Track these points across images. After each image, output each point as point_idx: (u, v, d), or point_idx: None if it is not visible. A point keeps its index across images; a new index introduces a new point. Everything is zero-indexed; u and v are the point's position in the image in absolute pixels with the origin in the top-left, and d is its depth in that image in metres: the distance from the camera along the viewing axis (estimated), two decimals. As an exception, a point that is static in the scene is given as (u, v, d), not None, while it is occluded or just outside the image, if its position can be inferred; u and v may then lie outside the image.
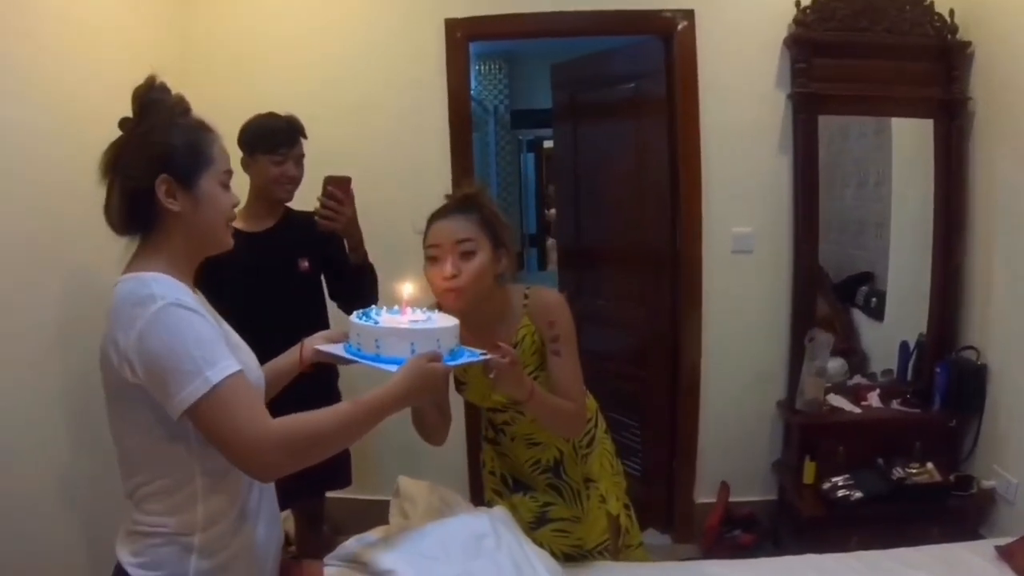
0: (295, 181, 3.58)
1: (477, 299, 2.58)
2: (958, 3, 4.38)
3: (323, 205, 3.36)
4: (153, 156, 1.95)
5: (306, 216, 3.51)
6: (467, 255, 2.54)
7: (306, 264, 3.53)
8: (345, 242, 3.56)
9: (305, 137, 3.62)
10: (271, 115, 3.56)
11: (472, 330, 2.51)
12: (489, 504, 3.00)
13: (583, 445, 2.98)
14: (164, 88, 2.12)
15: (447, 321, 2.31)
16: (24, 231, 3.15)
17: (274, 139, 3.48)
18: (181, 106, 2.12)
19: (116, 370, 1.82)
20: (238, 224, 2.55)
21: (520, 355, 2.60)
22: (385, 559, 2.18)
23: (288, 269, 3.50)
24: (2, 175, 3.09)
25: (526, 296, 2.76)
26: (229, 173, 2.11)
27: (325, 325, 3.41)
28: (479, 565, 2.23)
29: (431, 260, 2.59)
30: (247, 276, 3.08)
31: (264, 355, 2.27)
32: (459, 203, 2.68)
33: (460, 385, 2.89)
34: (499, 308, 2.74)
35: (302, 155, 3.61)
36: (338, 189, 3.39)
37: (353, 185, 3.47)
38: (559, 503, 2.96)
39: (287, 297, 3.43)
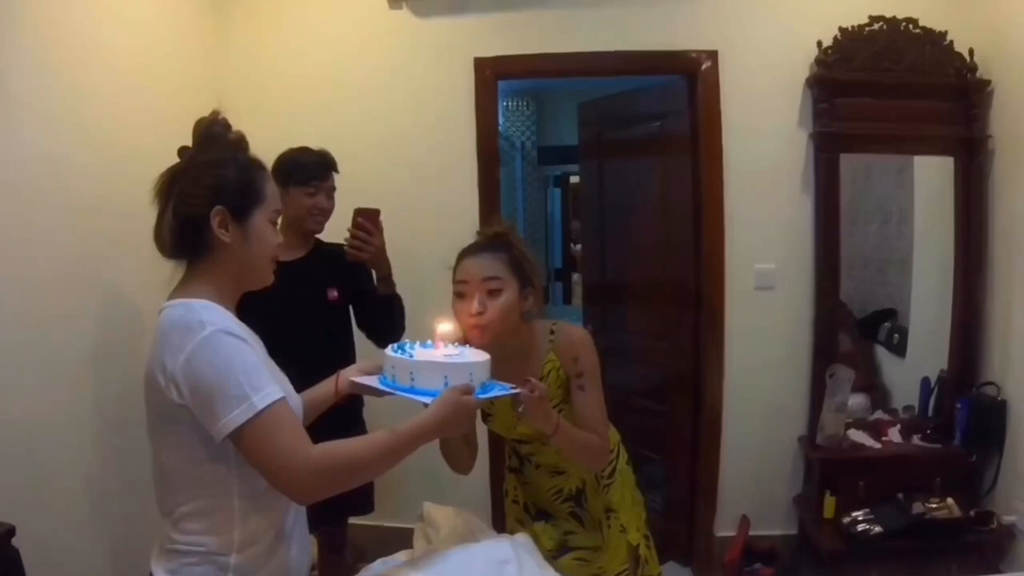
0: (326, 213, 3.67)
1: (502, 335, 2.64)
2: (977, 42, 4.44)
3: (353, 236, 3.48)
4: (211, 186, 2.03)
5: (335, 248, 3.62)
6: (493, 293, 2.61)
7: (335, 294, 3.61)
8: (374, 273, 3.66)
9: (337, 171, 3.72)
10: (304, 149, 3.66)
11: (498, 363, 2.49)
12: (511, 532, 2.94)
13: (605, 476, 3.01)
14: (226, 123, 2.22)
15: (479, 356, 2.36)
16: (62, 256, 3.28)
17: (307, 172, 3.57)
18: (241, 143, 2.21)
19: (163, 391, 1.87)
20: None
21: (549, 389, 2.67)
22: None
23: (318, 299, 3.57)
24: (44, 205, 3.21)
25: (552, 332, 2.82)
26: (278, 212, 2.17)
27: (352, 354, 3.70)
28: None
29: (459, 296, 2.66)
30: (278, 304, 2.90)
31: (293, 382, 2.27)
32: (488, 241, 2.76)
33: (486, 416, 2.95)
34: (526, 343, 2.79)
35: (333, 188, 3.70)
36: (368, 221, 3.50)
37: (382, 218, 3.59)
38: (580, 532, 3.00)
39: (316, 326, 3.51)
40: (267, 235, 2.11)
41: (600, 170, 5.81)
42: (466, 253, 2.73)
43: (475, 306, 2.59)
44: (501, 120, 6.45)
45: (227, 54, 4.94)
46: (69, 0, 3.56)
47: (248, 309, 2.27)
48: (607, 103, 5.71)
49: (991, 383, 4.34)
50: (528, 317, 2.78)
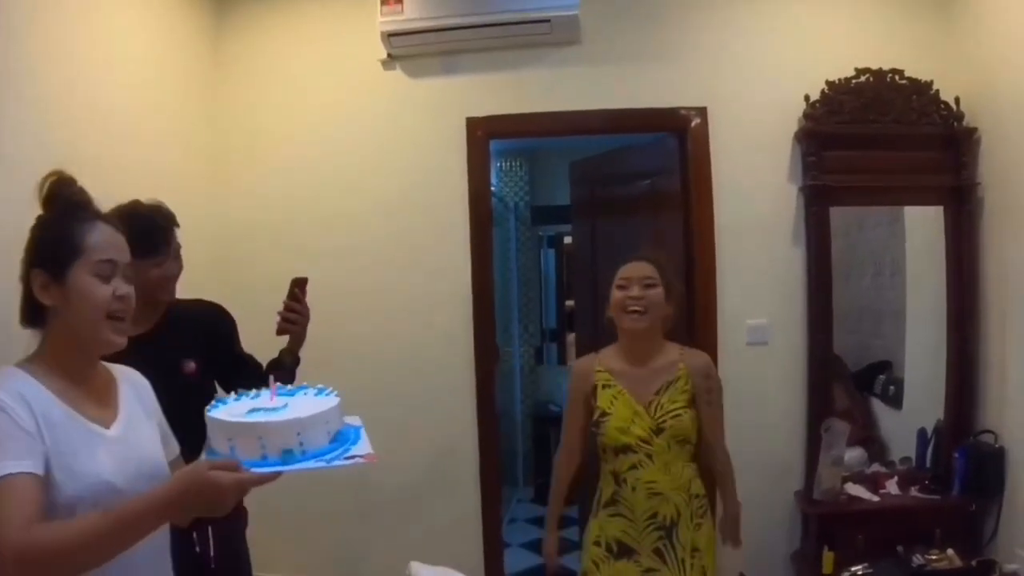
0: (176, 279, 3.15)
1: (653, 324, 3.31)
2: (963, 91, 4.49)
3: (288, 308, 3.28)
4: (28, 250, 2.00)
5: (194, 308, 3.26)
6: (649, 287, 3.28)
7: (192, 366, 3.10)
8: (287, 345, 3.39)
9: (177, 225, 3.16)
10: (137, 207, 3.01)
11: (639, 359, 3.35)
12: (585, 574, 3.39)
13: (699, 513, 3.28)
14: (67, 182, 2.11)
15: (319, 405, 2.15)
16: None
17: (151, 240, 2.98)
18: (78, 197, 2.10)
19: None
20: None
21: (675, 392, 3.28)
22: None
23: (171, 374, 2.92)
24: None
25: (682, 351, 3.42)
26: (109, 263, 2.01)
27: None
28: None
29: (619, 288, 3.34)
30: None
31: None
32: (648, 257, 3.40)
33: (603, 417, 3.26)
34: (660, 351, 3.39)
35: (179, 246, 3.16)
36: (301, 291, 3.34)
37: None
38: (663, 569, 3.19)
39: (173, 405, 2.68)
40: (90, 290, 1.95)
41: (592, 229, 5.83)
42: (629, 259, 3.42)
43: (635, 291, 3.27)
44: (494, 180, 6.49)
45: (223, 111, 5.02)
46: (68, 57, 3.63)
47: None
48: (598, 162, 5.75)
49: (988, 431, 4.32)
50: (666, 324, 3.38)
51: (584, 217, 5.99)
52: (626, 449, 3.21)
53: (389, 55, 4.87)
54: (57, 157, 3.39)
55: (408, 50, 4.80)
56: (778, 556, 4.76)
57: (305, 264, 4.80)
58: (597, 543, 3.31)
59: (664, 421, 3.20)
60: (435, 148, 4.88)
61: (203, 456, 1.99)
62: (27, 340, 2.00)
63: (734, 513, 3.52)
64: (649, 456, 3.19)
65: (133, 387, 2.19)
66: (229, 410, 2.06)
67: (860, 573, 4.10)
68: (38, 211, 2.05)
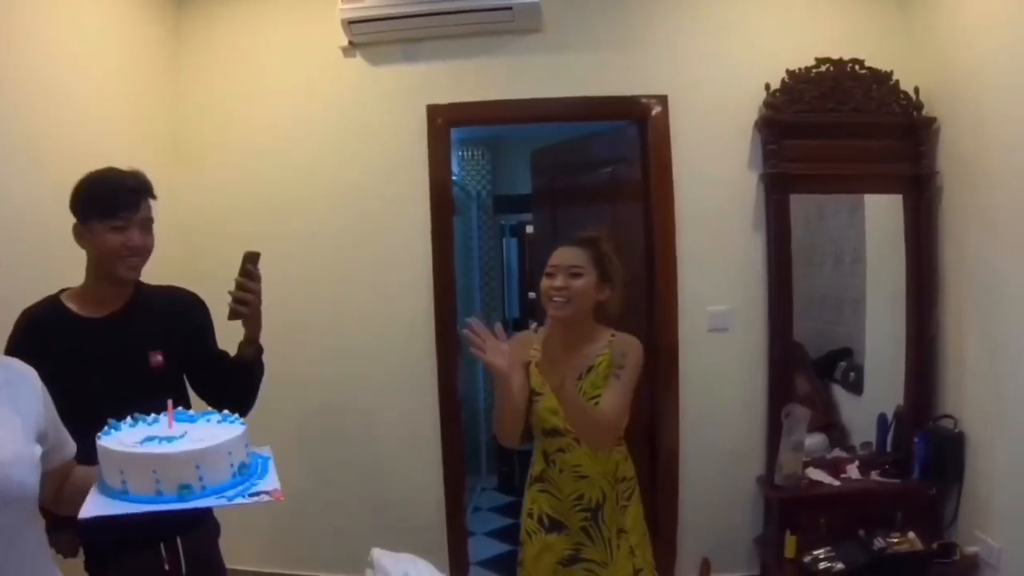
0: (141, 253, 2.72)
1: (577, 313, 3.19)
2: (923, 81, 4.53)
3: (239, 287, 2.79)
4: None
5: (165, 293, 2.96)
6: (575, 275, 3.16)
7: (159, 358, 2.75)
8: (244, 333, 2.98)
9: (154, 197, 2.78)
10: (109, 170, 2.73)
11: (566, 345, 3.14)
12: (521, 544, 3.40)
13: (624, 496, 3.27)
14: None
15: (219, 435, 1.96)
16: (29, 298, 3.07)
17: (112, 200, 2.64)
18: None
19: None
20: (76, 308, 2.66)
21: (596, 377, 3.20)
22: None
23: (136, 365, 2.71)
24: (5, 241, 3.20)
25: (613, 335, 3.30)
26: None
27: None
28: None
29: (547, 276, 3.22)
30: (88, 371, 2.54)
31: None
32: (580, 240, 3.28)
33: (536, 395, 3.24)
34: (590, 335, 3.29)
35: (150, 219, 2.76)
36: (254, 266, 2.85)
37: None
38: (590, 546, 3.22)
39: (136, 399, 2.41)
40: None
41: (554, 217, 5.83)
42: (560, 244, 3.31)
43: (558, 282, 3.16)
44: (456, 170, 6.46)
45: (183, 98, 5.00)
46: (26, 46, 3.61)
47: (61, 371, 2.18)
48: (559, 150, 5.75)
49: (948, 416, 4.37)
50: (608, 309, 3.31)
51: (545, 206, 5.99)
52: (554, 432, 3.22)
53: (350, 42, 4.84)
54: (13, 145, 3.41)
55: (369, 37, 4.78)
56: (741, 541, 4.78)
57: (265, 252, 4.80)
58: (530, 515, 3.35)
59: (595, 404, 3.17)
60: (396, 136, 4.86)
61: (94, 489, 1.87)
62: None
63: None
64: (576, 440, 3.18)
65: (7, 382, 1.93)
66: (121, 438, 1.90)
67: (822, 556, 4.14)
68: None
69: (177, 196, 4.86)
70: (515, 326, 8.62)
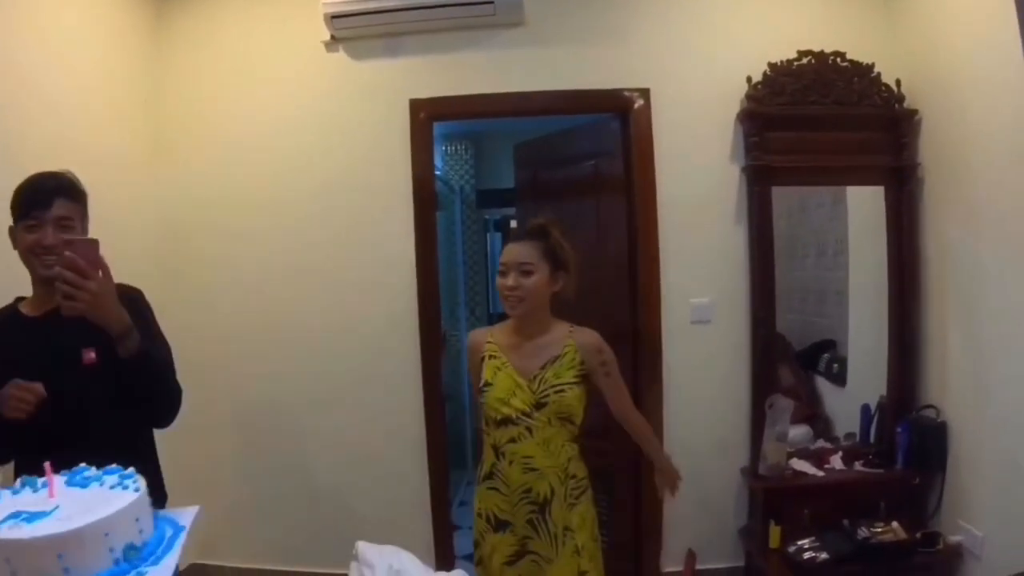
0: (56, 251, 2.56)
1: (532, 307, 3.26)
2: (904, 73, 4.54)
3: (61, 279, 2.44)
4: None
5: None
6: (527, 273, 3.22)
7: (92, 355, 2.64)
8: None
9: (74, 198, 2.74)
10: (38, 174, 2.74)
11: (524, 337, 3.32)
12: (476, 544, 3.42)
13: (573, 495, 3.27)
14: None
15: (98, 508, 1.62)
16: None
17: (26, 200, 2.67)
18: None
19: None
20: (25, 309, 2.76)
21: (560, 367, 3.25)
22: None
23: (67, 363, 2.64)
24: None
25: (571, 330, 3.37)
26: None
27: (136, 436, 2.85)
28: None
29: (500, 274, 3.27)
30: (24, 369, 2.53)
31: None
32: (529, 231, 3.36)
33: (486, 386, 3.26)
34: (548, 329, 3.35)
35: (67, 218, 2.69)
36: (80, 256, 2.45)
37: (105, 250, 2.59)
38: (535, 538, 3.23)
39: (71, 397, 2.61)
40: None
41: (537, 211, 5.80)
42: (511, 239, 3.41)
43: (510, 282, 3.21)
44: (440, 164, 6.45)
45: (165, 94, 4.99)
46: (6, 42, 3.58)
47: (4, 372, 2.39)
48: (541, 144, 5.75)
49: (930, 406, 4.40)
50: (563, 296, 3.35)
51: (529, 200, 5.98)
52: (506, 421, 3.22)
53: (332, 36, 4.83)
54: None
55: (351, 31, 4.77)
56: (726, 532, 4.80)
57: (248, 246, 4.80)
58: (479, 515, 3.37)
59: (546, 395, 3.20)
60: (379, 130, 4.85)
61: None
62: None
63: (663, 465, 3.59)
64: (529, 430, 3.20)
65: None
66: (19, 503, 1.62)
67: (807, 546, 4.16)
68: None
69: (157, 190, 4.86)
70: (498, 320, 8.64)
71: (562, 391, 3.20)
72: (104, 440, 2.56)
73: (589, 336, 3.35)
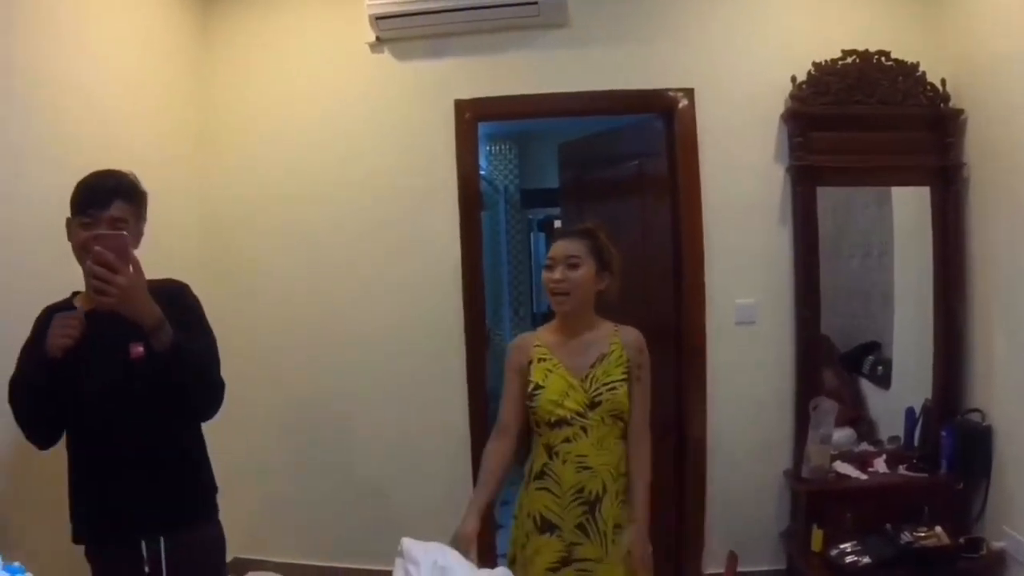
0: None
1: (578, 303, 3.24)
2: (949, 72, 4.50)
3: (91, 275, 2.47)
4: None
5: (153, 287, 2.66)
6: (573, 266, 3.20)
7: (140, 349, 2.65)
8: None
9: (132, 200, 2.77)
10: (100, 171, 2.78)
11: (571, 336, 3.29)
12: (513, 545, 3.40)
13: (624, 490, 3.24)
14: None
15: None
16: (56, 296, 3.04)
17: (84, 198, 2.69)
18: None
19: None
20: (80, 303, 2.74)
21: (609, 365, 3.23)
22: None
23: (115, 357, 2.67)
24: (39, 246, 3.24)
25: (616, 328, 3.35)
26: None
27: (177, 429, 2.84)
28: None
29: (547, 268, 3.27)
30: (74, 362, 2.54)
31: (111, 466, 2.51)
32: (577, 232, 3.36)
33: (537, 389, 3.22)
34: (594, 326, 3.33)
35: (122, 219, 2.69)
36: (109, 250, 2.46)
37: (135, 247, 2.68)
38: (585, 543, 3.17)
39: (120, 392, 2.68)
40: None
41: (581, 211, 5.83)
42: (557, 236, 3.40)
43: (556, 275, 3.20)
44: (484, 164, 6.48)
45: (210, 94, 5.04)
46: (58, 48, 3.67)
47: (69, 364, 2.45)
48: (586, 144, 5.76)
49: (976, 410, 4.34)
50: (606, 296, 3.33)
51: (572, 200, 6.00)
52: (560, 422, 3.19)
53: (377, 38, 4.86)
54: (42, 140, 3.46)
55: (396, 33, 4.80)
56: (768, 534, 4.76)
57: (294, 246, 4.84)
58: (527, 515, 3.32)
59: (600, 394, 3.18)
60: (423, 131, 4.88)
61: None
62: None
63: (639, 534, 3.20)
64: (584, 429, 3.17)
65: None
66: None
67: (849, 550, 4.12)
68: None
69: (203, 192, 4.91)
70: (542, 319, 8.64)
71: (614, 388, 3.19)
72: (151, 433, 2.69)
73: (634, 334, 3.35)
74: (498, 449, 3.28)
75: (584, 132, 5.77)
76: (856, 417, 4.99)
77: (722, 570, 4.70)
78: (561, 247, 3.26)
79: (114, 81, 4.10)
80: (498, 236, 8.18)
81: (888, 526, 4.19)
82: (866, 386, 5.12)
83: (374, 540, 4.74)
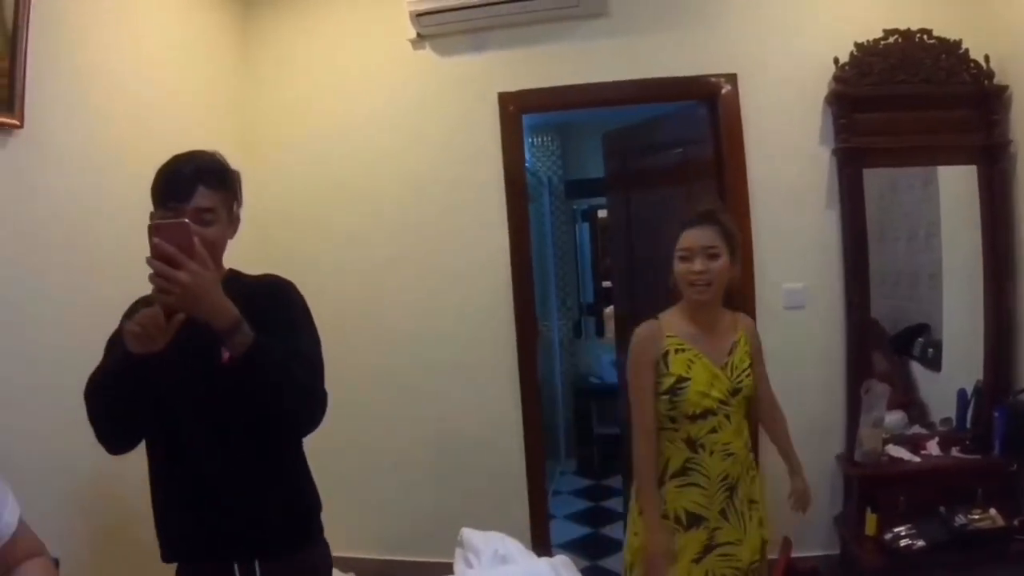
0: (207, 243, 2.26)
1: (716, 294, 3.22)
2: (993, 48, 4.46)
3: (153, 270, 2.07)
4: None
5: (252, 286, 2.59)
6: (713, 256, 3.15)
7: (228, 355, 2.27)
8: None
9: (219, 184, 2.46)
10: (177, 156, 2.47)
11: (704, 326, 3.26)
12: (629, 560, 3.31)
13: (752, 465, 3.31)
14: None
15: None
16: (100, 302, 2.98)
17: (164, 189, 2.38)
18: None
19: None
20: None
21: (741, 352, 3.29)
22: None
23: (207, 360, 2.35)
24: (98, 240, 3.30)
25: (734, 314, 3.43)
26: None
27: (274, 446, 2.52)
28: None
29: (682, 260, 3.20)
30: (162, 364, 2.21)
31: (197, 484, 2.30)
32: (703, 216, 3.25)
33: (682, 383, 3.15)
34: (723, 314, 3.37)
35: (209, 209, 2.39)
36: (170, 242, 2.06)
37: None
38: (725, 526, 3.18)
39: (208, 401, 2.37)
40: None
41: (626, 200, 5.84)
42: (688, 226, 3.23)
43: (698, 266, 3.13)
44: (527, 155, 6.51)
45: (252, 94, 5.13)
46: (103, 50, 3.74)
47: (147, 366, 2.15)
48: (629, 133, 5.76)
49: (1028, 390, 4.31)
50: (733, 283, 3.31)
51: (618, 189, 6.00)
52: (705, 414, 3.15)
53: (418, 34, 4.90)
54: (86, 139, 3.52)
55: (437, 28, 4.84)
56: (821, 519, 4.73)
57: (340, 242, 4.88)
58: (665, 516, 3.20)
59: (740, 381, 3.20)
60: (467, 125, 4.93)
61: None
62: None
63: (800, 481, 3.60)
64: (728, 417, 3.16)
65: None
66: None
67: (903, 534, 4.11)
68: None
69: (251, 189, 4.95)
70: (589, 310, 8.66)
71: (749, 374, 3.25)
72: (241, 448, 2.39)
73: (749, 320, 3.46)
74: (651, 453, 3.20)
75: (627, 121, 5.77)
76: (907, 400, 4.97)
77: (776, 556, 4.70)
78: (697, 237, 3.18)
79: (154, 82, 4.15)
80: (543, 227, 8.20)
81: (942, 509, 4.16)
82: (916, 369, 5.09)
83: (427, 531, 4.79)
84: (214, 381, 2.34)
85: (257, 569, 2.43)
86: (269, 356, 2.21)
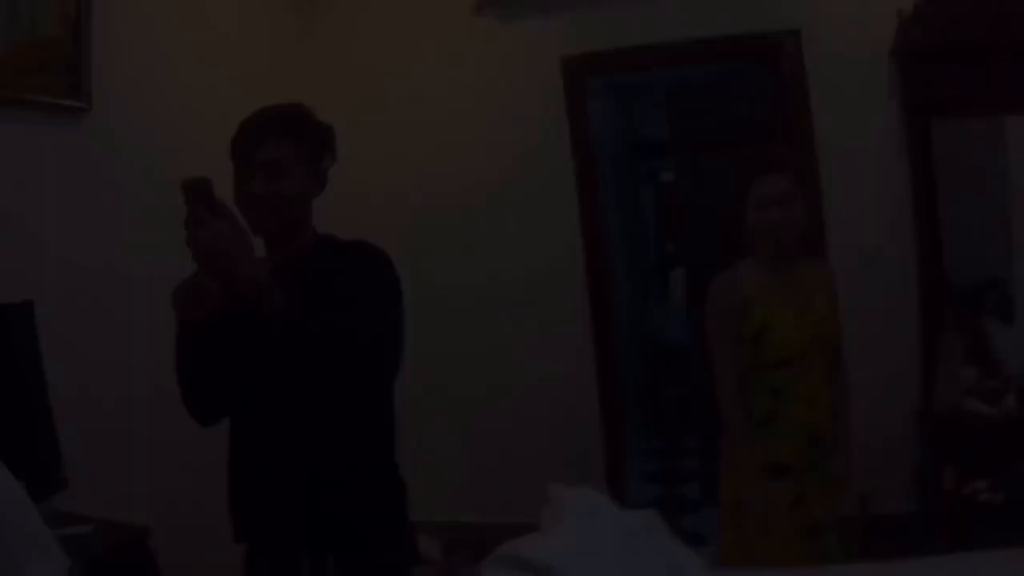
0: (265, 203, 2.14)
1: (795, 241, 3.11)
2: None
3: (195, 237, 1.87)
4: None
5: (340, 253, 2.33)
6: (787, 204, 3.04)
7: None
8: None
9: (292, 136, 2.21)
10: (266, 106, 2.31)
11: (784, 273, 3.14)
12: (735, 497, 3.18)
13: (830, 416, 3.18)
14: None
15: None
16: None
17: (235, 140, 2.21)
18: None
19: None
20: None
21: (822, 300, 3.18)
22: (544, 557, 2.26)
23: (266, 333, 1.98)
24: (170, 217, 3.38)
25: (809, 261, 3.34)
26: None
27: (343, 426, 2.20)
28: (633, 561, 2.31)
29: (759, 208, 3.07)
30: (236, 338, 2.12)
31: (263, 463, 2.14)
32: (776, 163, 3.27)
33: (764, 331, 3.08)
34: (800, 261, 3.24)
35: (276, 161, 2.15)
36: (200, 200, 1.88)
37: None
38: (810, 478, 3.11)
39: (260, 369, 2.15)
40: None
41: (693, 160, 5.84)
42: (761, 174, 3.14)
43: (775, 214, 3.03)
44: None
45: (316, 70, 5.15)
46: (166, 31, 3.88)
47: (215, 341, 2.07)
48: (693, 94, 5.76)
49: (1105, 338, 4.27)
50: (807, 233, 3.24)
51: (682, 150, 6.01)
52: (788, 362, 3.08)
53: (478, 2, 4.91)
54: (144, 130, 3.59)
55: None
56: (899, 474, 4.75)
57: (409, 213, 4.91)
58: (750, 468, 3.13)
59: (821, 328, 3.11)
60: (532, 88, 4.96)
61: None
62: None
63: (855, 501, 3.29)
64: (810, 366, 3.08)
65: None
66: None
67: (984, 488, 4.09)
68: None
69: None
70: (657, 272, 8.65)
71: (830, 321, 3.17)
72: (309, 428, 2.14)
73: (828, 266, 3.45)
74: (740, 403, 3.13)
75: (690, 82, 5.75)
76: (981, 353, 4.93)
77: (854, 512, 4.70)
78: (773, 184, 3.09)
79: (219, 60, 4.29)
80: (607, 191, 8.19)
81: (1022, 462, 4.15)
82: (989, 322, 5.05)
83: (513, 494, 4.83)
84: (276, 354, 2.02)
85: (331, 565, 2.17)
86: (303, 328, 1.94)
